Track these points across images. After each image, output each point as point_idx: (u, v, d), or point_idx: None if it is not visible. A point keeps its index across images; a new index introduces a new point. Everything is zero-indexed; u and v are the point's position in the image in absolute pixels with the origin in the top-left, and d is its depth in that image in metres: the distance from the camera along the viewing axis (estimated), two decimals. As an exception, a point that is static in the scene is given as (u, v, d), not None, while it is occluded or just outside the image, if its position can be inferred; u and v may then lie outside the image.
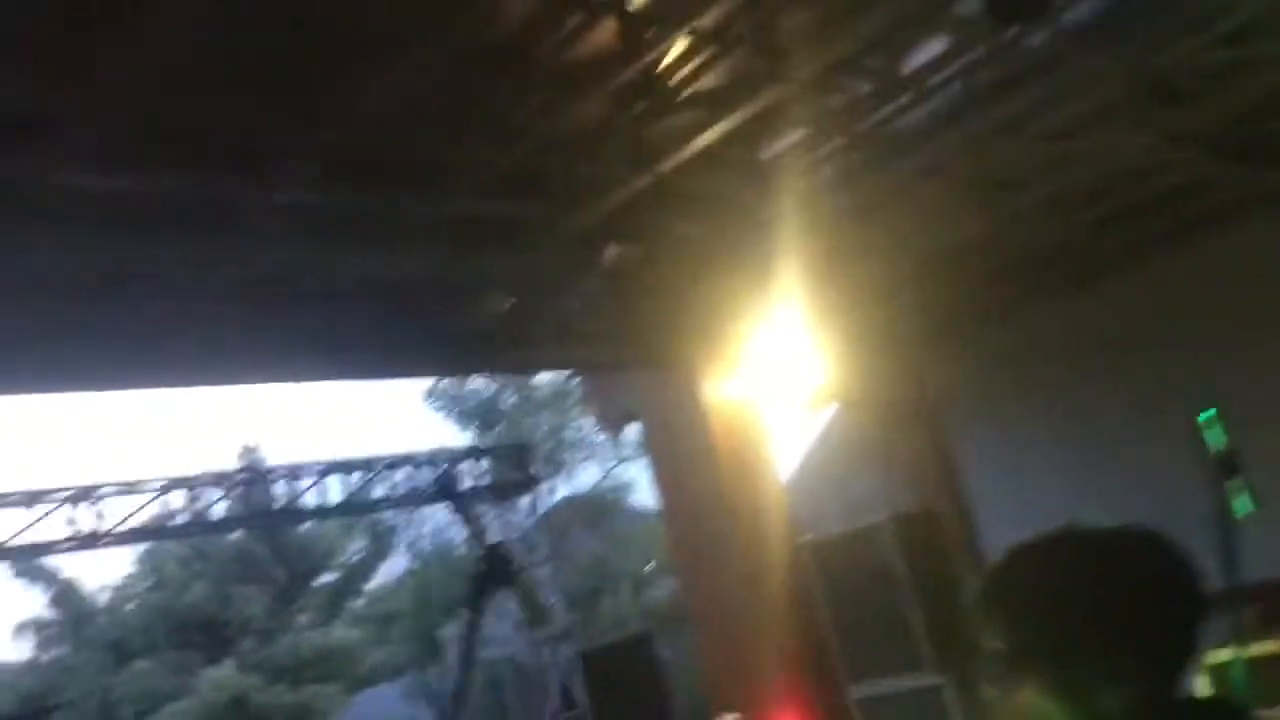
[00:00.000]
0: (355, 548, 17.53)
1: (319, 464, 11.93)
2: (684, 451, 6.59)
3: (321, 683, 14.34)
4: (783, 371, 5.31)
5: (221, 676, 13.29)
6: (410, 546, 15.72)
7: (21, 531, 8.75)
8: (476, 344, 7.63)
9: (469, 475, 11.64)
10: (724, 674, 6.65)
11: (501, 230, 5.49)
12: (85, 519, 9.29)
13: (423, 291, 6.82)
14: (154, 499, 10.58)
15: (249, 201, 5.16)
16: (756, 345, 5.34)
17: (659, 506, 7.55)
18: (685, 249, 5.43)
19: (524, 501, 12.17)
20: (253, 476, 13.93)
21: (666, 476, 6.92)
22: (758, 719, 5.89)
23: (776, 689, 6.00)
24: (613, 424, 9.36)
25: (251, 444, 16.37)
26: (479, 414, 14.56)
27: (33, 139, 3.99)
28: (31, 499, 9.03)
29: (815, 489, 7.96)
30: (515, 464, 11.63)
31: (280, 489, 13.77)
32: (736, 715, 5.79)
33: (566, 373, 11.54)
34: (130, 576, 16.72)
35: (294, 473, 12.27)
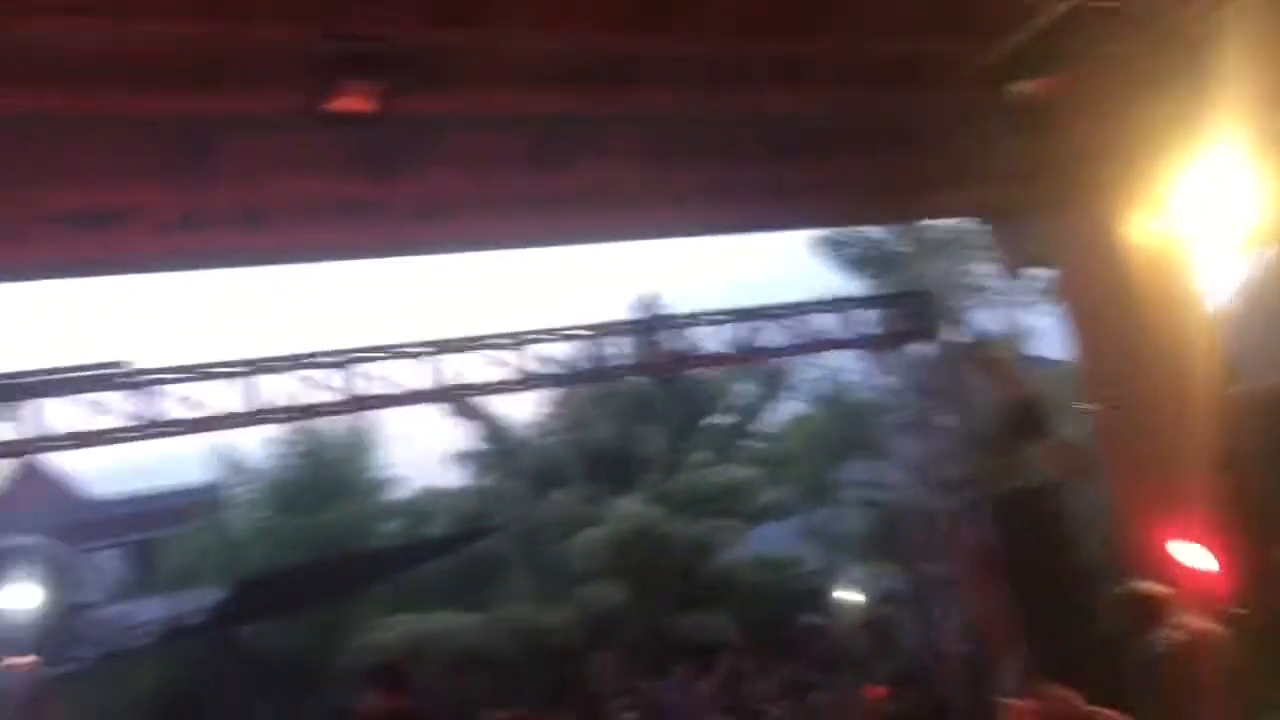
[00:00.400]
0: (746, 391, 18.27)
1: (714, 311, 12.37)
2: (1101, 295, 6.25)
3: (719, 517, 15.15)
4: (1215, 208, 4.87)
5: (629, 507, 14.36)
6: (802, 391, 16.12)
7: (460, 375, 9.88)
8: (875, 191, 7.52)
9: (863, 323, 11.65)
10: (1138, 528, 6.38)
11: (907, 70, 5.34)
12: (513, 363, 10.29)
13: (821, 138, 6.78)
14: (563, 344, 11.53)
15: (655, 53, 5.31)
16: (1185, 180, 4.91)
17: (1069, 353, 7.24)
18: (1106, 77, 5.03)
19: (920, 349, 12.01)
20: (651, 324, 14.69)
21: (1082, 321, 6.61)
22: (1171, 578, 5.60)
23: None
24: (1015, 268, 8.99)
25: (649, 293, 17.23)
26: (871, 260, 14.44)
27: (475, 9, 4.33)
28: (470, 343, 10.11)
29: (1250, 337, 7.30)
30: (912, 311, 11.49)
31: (676, 336, 14.43)
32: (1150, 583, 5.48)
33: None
34: (548, 415, 18.30)
35: (690, 320, 12.82)
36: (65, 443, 8.50)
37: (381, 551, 19.10)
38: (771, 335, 12.40)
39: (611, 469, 16.52)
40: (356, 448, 24.47)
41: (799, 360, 16.70)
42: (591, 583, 14.59)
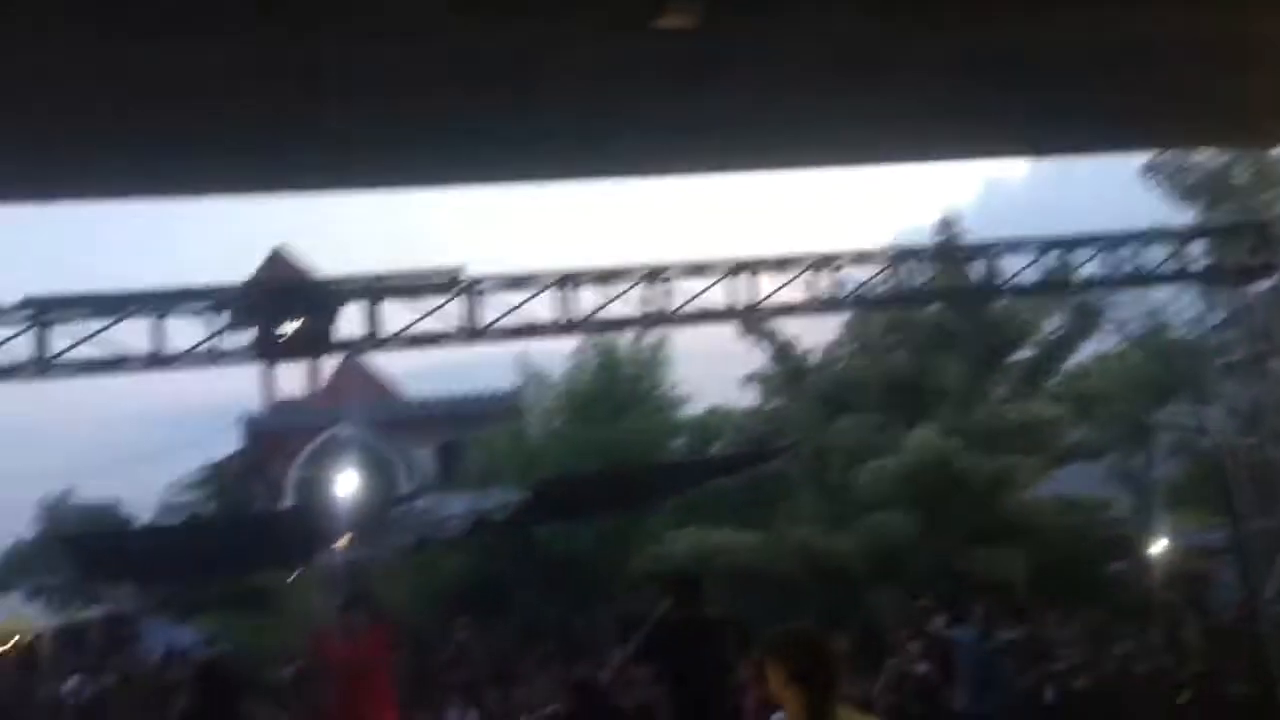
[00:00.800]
0: (1054, 325, 17.32)
1: (1025, 239, 11.76)
2: None
3: (1019, 454, 14.54)
4: None
5: (924, 438, 14.00)
6: (1118, 327, 15.13)
7: (771, 295, 9.89)
8: (1221, 113, 6.86)
9: (1191, 256, 10.81)
10: None
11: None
12: (812, 285, 10.19)
13: (1165, 55, 6.22)
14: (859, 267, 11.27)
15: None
16: None
17: None
18: None
19: (1256, 286, 10.98)
20: (956, 250, 14.16)
21: None
22: None
23: None
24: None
25: (951, 216, 16.58)
26: (1204, 189, 13.26)
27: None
28: (769, 264, 10.10)
29: None
30: (1249, 244, 10.52)
31: (979, 263, 13.82)
32: None
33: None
34: (838, 341, 18.07)
35: (998, 247, 12.24)
36: (397, 343, 9.14)
37: (671, 466, 19.58)
38: (1088, 266, 11.69)
39: (906, 398, 16.14)
40: (649, 364, 25.13)
41: (1116, 295, 15.72)
42: (879, 511, 14.40)
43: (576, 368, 24.94)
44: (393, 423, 33.44)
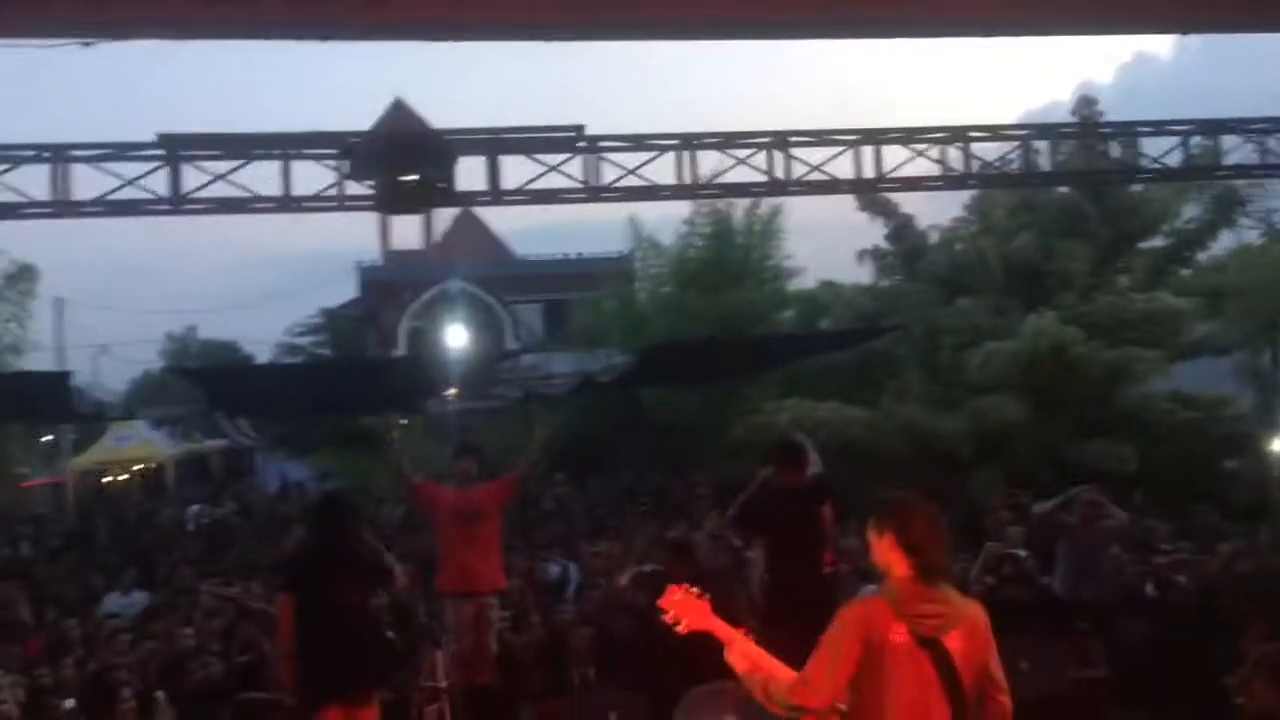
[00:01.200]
0: (1191, 214, 16.55)
1: (1162, 121, 11.22)
2: None
3: (1141, 346, 14.10)
4: None
5: (1043, 324, 13.65)
6: (1261, 219, 14.38)
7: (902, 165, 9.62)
8: None
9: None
10: None
11: None
12: (937, 159, 9.84)
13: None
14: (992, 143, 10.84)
15: None
16: None
17: None
18: None
19: None
20: (1092, 129, 13.53)
21: None
22: None
23: None
24: None
25: (1090, 94, 15.78)
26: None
27: None
28: (895, 135, 9.78)
29: None
30: None
31: (1117, 145, 13.21)
32: None
33: None
34: (959, 219, 17.58)
35: (1135, 129, 11.67)
36: (515, 198, 9.15)
37: (779, 337, 19.52)
38: (1234, 154, 11.10)
39: (1026, 283, 15.69)
40: (762, 234, 24.87)
41: (1265, 184, 14.96)
42: (989, 395, 14.17)
43: (689, 235, 24.81)
44: (503, 280, 33.94)
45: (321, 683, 6.55)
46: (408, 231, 35.56)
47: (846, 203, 15.69)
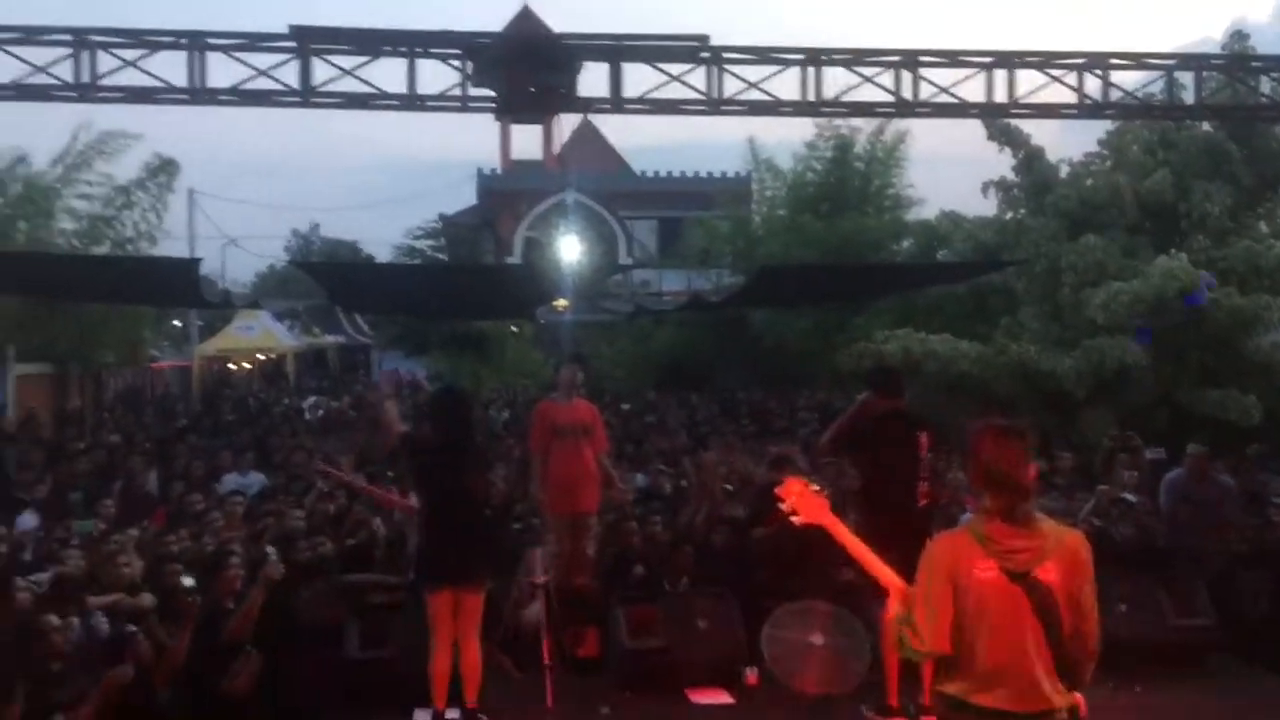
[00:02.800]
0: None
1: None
2: None
3: (1276, 294, 13.53)
4: None
5: (1173, 266, 13.14)
6: None
7: (1036, 91, 9.27)
8: None
9: None
10: None
11: None
12: (1075, 87, 9.49)
13: None
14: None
15: None
16: None
17: None
18: None
19: None
20: (1245, 61, 12.87)
21: None
22: None
23: None
24: None
25: (1245, 27, 14.97)
26: None
27: None
28: (1031, 59, 9.41)
29: None
30: None
31: (1266, 81, 12.55)
32: None
33: None
34: (1091, 154, 16.94)
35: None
36: (638, 107, 9.11)
37: (893, 266, 19.24)
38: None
39: (1159, 223, 15.10)
40: (885, 161, 24.39)
41: None
42: (1107, 336, 13.76)
43: (808, 158, 24.45)
44: (619, 194, 33.97)
45: (439, 567, 6.84)
46: (528, 142, 35.73)
47: (970, 132, 15.18)
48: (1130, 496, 9.69)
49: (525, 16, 10.07)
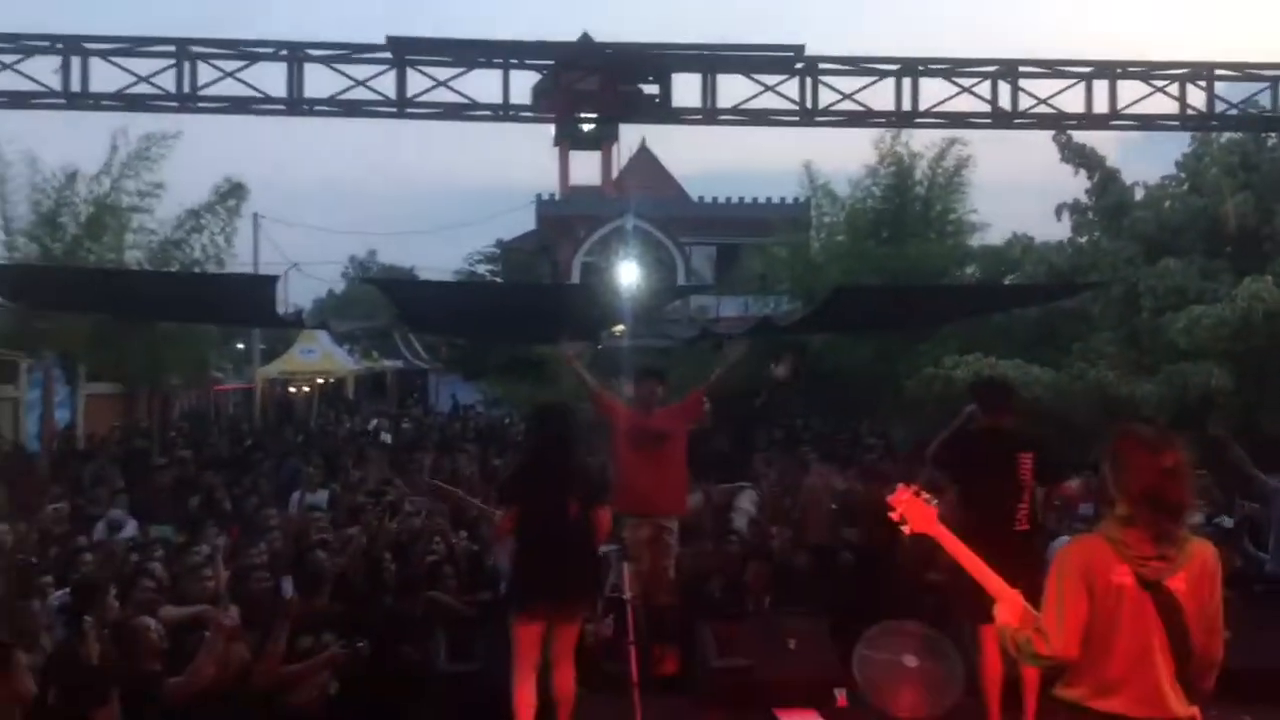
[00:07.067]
0: None
1: None
2: None
3: (1364, 319, 13.17)
4: None
5: (1259, 289, 12.84)
6: None
7: (1138, 102, 9.09)
8: None
9: None
10: None
11: None
12: (1176, 97, 9.26)
13: None
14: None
15: None
16: None
17: None
18: None
19: None
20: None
21: None
22: None
23: None
24: None
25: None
26: None
27: None
28: (1145, 71, 9.22)
29: None
30: None
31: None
32: None
33: None
34: (1169, 177, 16.69)
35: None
36: (732, 118, 9.05)
37: (974, 287, 18.94)
38: None
39: (1242, 246, 14.79)
40: (945, 187, 24.14)
41: None
42: (1189, 361, 13.46)
43: (868, 184, 24.27)
44: (678, 221, 33.98)
45: (534, 594, 6.45)
46: (586, 168, 35.91)
47: (1033, 158, 14.98)
48: (1225, 520, 9.43)
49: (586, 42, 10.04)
